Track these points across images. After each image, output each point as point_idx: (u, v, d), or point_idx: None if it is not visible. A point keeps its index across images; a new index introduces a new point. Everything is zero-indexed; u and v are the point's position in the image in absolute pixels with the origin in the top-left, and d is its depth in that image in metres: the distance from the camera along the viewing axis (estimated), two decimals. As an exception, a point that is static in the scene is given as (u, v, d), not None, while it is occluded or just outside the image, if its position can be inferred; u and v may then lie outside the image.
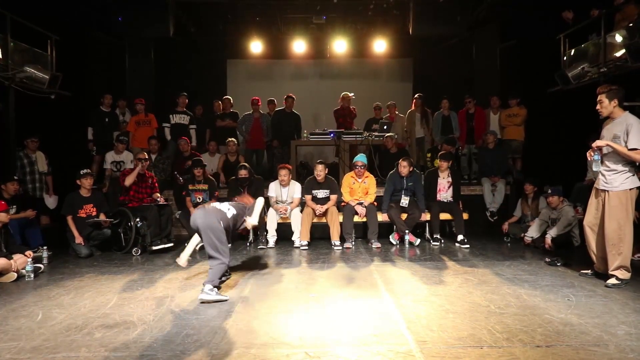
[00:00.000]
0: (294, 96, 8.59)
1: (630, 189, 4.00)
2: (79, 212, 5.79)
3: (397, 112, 8.76)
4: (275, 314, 3.41)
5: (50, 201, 6.79)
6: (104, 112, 7.95)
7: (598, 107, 4.15)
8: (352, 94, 8.67)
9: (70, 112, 7.67)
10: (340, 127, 8.21)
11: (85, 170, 5.91)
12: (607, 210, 4.06)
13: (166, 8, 8.37)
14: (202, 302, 3.67)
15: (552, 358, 2.60)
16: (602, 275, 4.30)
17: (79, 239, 5.61)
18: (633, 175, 4.01)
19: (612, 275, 4.05)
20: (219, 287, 3.90)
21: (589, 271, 4.46)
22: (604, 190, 4.11)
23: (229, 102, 8.88)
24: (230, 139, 7.85)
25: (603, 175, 4.12)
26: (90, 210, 5.88)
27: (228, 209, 4.22)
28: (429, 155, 8.04)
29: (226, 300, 3.75)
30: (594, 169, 4.12)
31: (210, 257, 3.91)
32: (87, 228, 5.73)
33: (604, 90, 4.08)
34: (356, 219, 6.26)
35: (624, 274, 4.04)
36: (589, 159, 4.13)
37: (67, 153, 7.46)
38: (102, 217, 5.93)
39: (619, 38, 5.93)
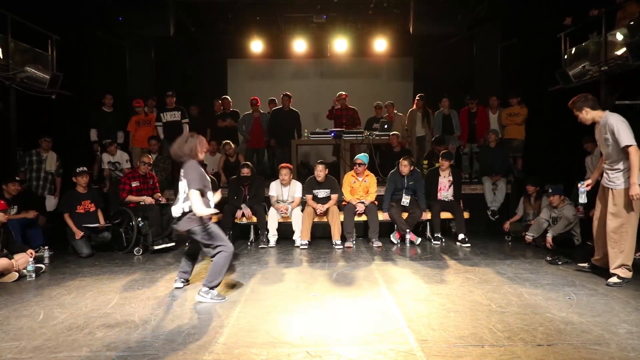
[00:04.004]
0: (290, 94, 8.57)
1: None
2: (77, 208, 5.82)
3: (395, 112, 8.75)
4: (277, 313, 3.41)
5: (52, 202, 6.78)
6: (106, 112, 7.94)
7: (579, 120, 4.24)
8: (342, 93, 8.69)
9: (71, 111, 7.68)
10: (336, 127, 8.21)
11: (81, 169, 5.93)
12: (610, 207, 4.08)
13: (166, 8, 8.36)
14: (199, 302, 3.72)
15: (554, 357, 2.60)
16: (600, 269, 4.35)
17: (79, 234, 5.61)
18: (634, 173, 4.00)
19: (614, 274, 4.05)
20: (215, 287, 3.78)
21: (586, 264, 4.51)
22: (608, 188, 4.13)
23: (228, 102, 8.88)
24: (226, 142, 7.76)
25: (607, 173, 4.14)
26: (88, 206, 5.89)
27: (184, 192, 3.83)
28: (425, 162, 7.82)
29: (224, 300, 3.74)
30: (580, 200, 4.42)
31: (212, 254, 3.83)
32: (85, 229, 5.74)
33: (573, 107, 4.20)
34: (357, 218, 6.26)
35: (626, 273, 4.04)
36: (579, 187, 4.39)
37: (68, 152, 7.46)
38: (99, 215, 5.96)
39: (619, 36, 5.92)
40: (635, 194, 3.85)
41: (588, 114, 4.12)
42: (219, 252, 3.77)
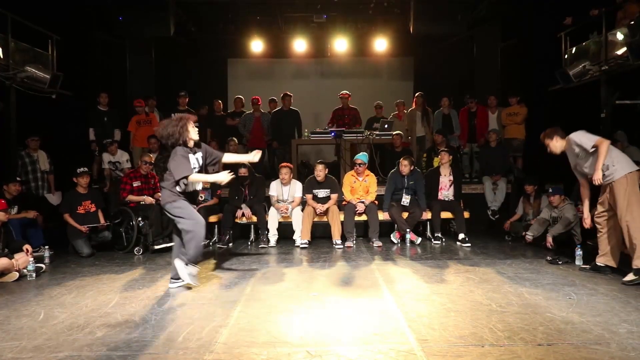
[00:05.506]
0: (290, 94, 8.60)
1: (629, 173, 4.12)
2: (77, 208, 5.81)
3: (405, 111, 8.78)
4: (277, 313, 3.41)
5: (54, 198, 6.81)
6: (102, 111, 7.94)
7: (549, 151, 4.56)
8: (344, 92, 8.73)
9: (71, 111, 7.67)
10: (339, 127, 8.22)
11: (81, 169, 5.91)
12: (615, 200, 4.15)
13: (166, 8, 8.36)
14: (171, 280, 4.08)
15: (554, 356, 2.60)
16: (601, 270, 4.37)
17: (84, 229, 5.62)
18: (623, 162, 4.17)
19: (632, 269, 4.07)
20: (191, 263, 3.99)
21: (587, 266, 4.53)
22: (608, 184, 4.22)
23: (240, 102, 8.97)
24: (231, 139, 7.86)
25: (603, 173, 4.21)
26: (88, 206, 5.89)
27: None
28: (424, 155, 8.01)
29: (192, 284, 3.96)
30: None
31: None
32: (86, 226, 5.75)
33: (544, 137, 4.57)
34: (357, 218, 6.25)
35: None
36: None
37: (69, 152, 7.47)
38: (99, 215, 5.95)
39: (620, 36, 5.92)
40: (597, 178, 4.13)
41: (558, 142, 4.48)
42: (188, 227, 3.95)
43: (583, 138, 4.27)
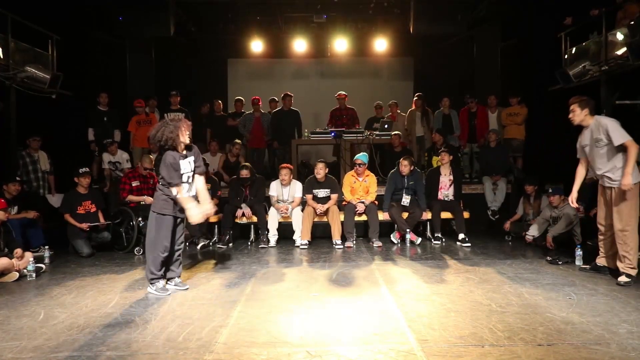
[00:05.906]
0: (291, 94, 8.61)
1: (635, 183, 4.03)
2: (77, 209, 5.81)
3: (398, 111, 8.78)
4: (277, 313, 3.41)
5: (54, 200, 6.81)
6: (102, 111, 7.94)
7: (570, 115, 4.32)
8: (341, 92, 8.75)
9: (71, 111, 7.68)
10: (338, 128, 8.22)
11: (83, 169, 5.91)
12: (614, 206, 4.10)
13: (166, 8, 8.37)
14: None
15: (554, 357, 2.60)
16: (601, 270, 4.37)
17: (85, 226, 5.63)
18: (636, 169, 4.06)
19: (623, 273, 4.06)
20: (162, 277, 4.05)
21: (587, 266, 4.53)
22: (610, 187, 4.16)
23: (241, 104, 9.00)
24: (237, 141, 7.89)
25: (606, 176, 4.17)
26: (89, 206, 5.88)
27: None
28: (425, 154, 8.06)
29: (166, 294, 3.94)
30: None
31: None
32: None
33: (576, 101, 4.29)
34: (357, 218, 6.26)
35: (632, 271, 4.04)
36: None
37: (69, 152, 7.47)
38: (99, 215, 5.95)
39: (620, 36, 5.91)
40: (627, 184, 3.94)
41: (586, 116, 4.23)
42: (146, 242, 4.03)
43: (616, 129, 4.04)
